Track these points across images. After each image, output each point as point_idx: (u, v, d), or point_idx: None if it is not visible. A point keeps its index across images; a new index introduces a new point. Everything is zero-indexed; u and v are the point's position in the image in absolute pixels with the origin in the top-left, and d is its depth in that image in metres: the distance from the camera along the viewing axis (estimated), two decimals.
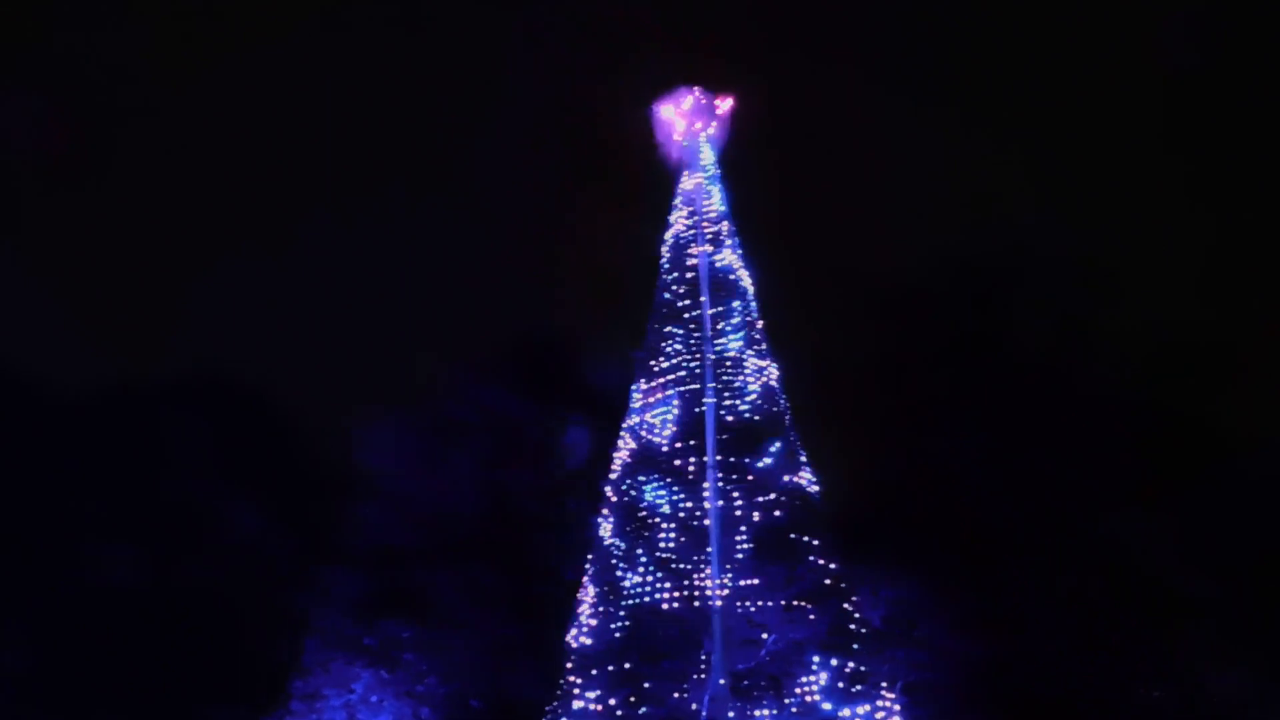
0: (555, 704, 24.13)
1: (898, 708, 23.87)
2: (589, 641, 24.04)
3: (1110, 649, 26.09)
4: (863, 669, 23.77)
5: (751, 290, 26.24)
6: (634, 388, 25.76)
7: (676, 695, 22.90)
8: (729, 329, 25.53)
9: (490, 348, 34.16)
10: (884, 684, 23.96)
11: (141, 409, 32.44)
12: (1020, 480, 28.50)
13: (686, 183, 26.61)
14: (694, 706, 22.85)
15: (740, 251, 26.72)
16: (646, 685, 23.13)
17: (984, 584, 27.11)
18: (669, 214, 26.51)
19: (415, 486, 30.41)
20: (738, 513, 23.98)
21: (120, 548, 28.60)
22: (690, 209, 26.22)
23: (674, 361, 25.22)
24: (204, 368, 35.45)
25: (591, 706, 23.23)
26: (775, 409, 25.41)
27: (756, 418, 24.99)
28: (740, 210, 27.00)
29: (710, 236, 26.08)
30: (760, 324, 26.12)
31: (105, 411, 32.10)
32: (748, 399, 25.01)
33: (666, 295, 26.17)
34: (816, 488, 25.21)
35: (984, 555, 27.83)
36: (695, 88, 25.95)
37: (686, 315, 25.60)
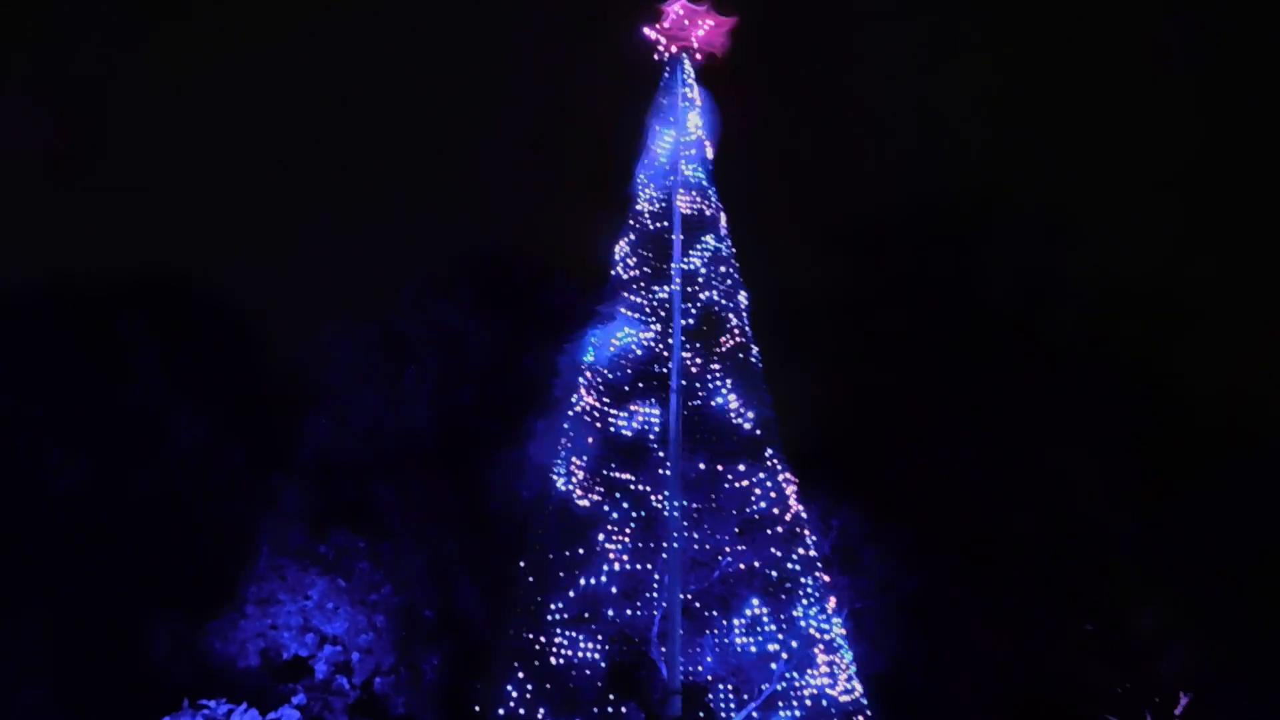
0: (509, 616, 24.47)
1: (842, 632, 24.67)
2: (545, 558, 24.33)
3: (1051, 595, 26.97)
4: (810, 595, 24.47)
5: (724, 217, 26.17)
6: (600, 307, 25.70)
7: (630, 613, 23.38)
8: (699, 253, 25.54)
9: (449, 264, 33.75)
10: (830, 610, 24.71)
11: (94, 314, 31.70)
12: (973, 420, 29.11)
13: (663, 104, 26.31)
14: (640, 631, 23.35)
15: (713, 181, 26.58)
16: (601, 603, 23.60)
17: (927, 518, 27.82)
18: (644, 134, 26.15)
19: (372, 401, 30.27)
20: (697, 436, 24.32)
21: (72, 452, 28.18)
22: (667, 130, 25.94)
23: (642, 283, 25.20)
24: (159, 273, 34.64)
25: (547, 619, 23.67)
26: (740, 338, 25.59)
27: (722, 345, 25.19)
28: (715, 139, 26.74)
29: (685, 159, 25.88)
30: (731, 251, 26.14)
31: (56, 315, 31.31)
32: (714, 325, 25.14)
33: (638, 215, 25.99)
34: (775, 417, 25.56)
35: (933, 490, 28.55)
36: (678, 3, 25.42)
37: (657, 237, 25.55)
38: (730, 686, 23.29)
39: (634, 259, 25.49)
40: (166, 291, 33.70)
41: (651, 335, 24.82)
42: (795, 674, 23.49)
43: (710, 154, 26.28)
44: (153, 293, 33.20)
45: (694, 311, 25.15)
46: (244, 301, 35.17)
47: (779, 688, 23.13)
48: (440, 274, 33.22)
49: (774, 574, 24.09)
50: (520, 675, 23.51)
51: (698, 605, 23.62)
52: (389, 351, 31.50)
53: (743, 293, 25.85)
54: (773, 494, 24.47)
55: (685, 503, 23.92)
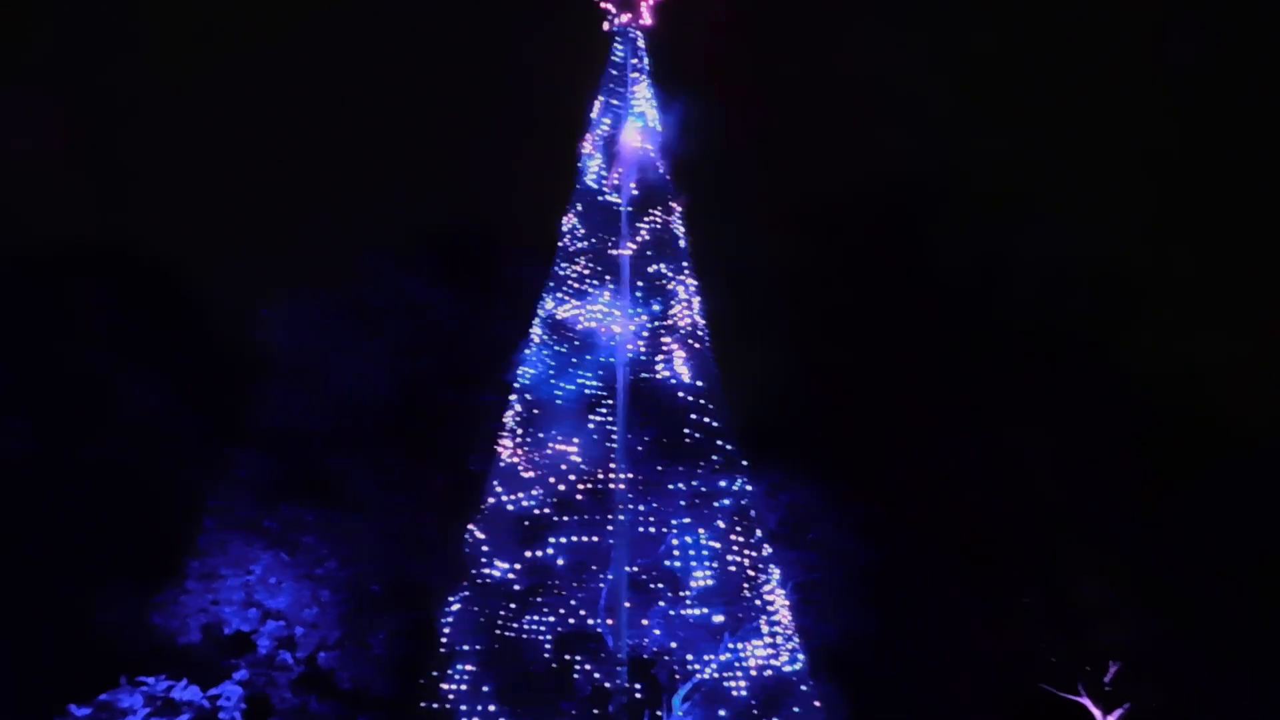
0: (456, 588, 24.46)
1: (788, 604, 24.85)
2: (493, 530, 24.31)
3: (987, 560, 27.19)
4: (757, 568, 24.62)
5: (675, 190, 26.03)
6: (549, 280, 25.53)
7: (576, 585, 23.42)
8: (647, 225, 25.37)
9: (408, 234, 33.36)
10: (777, 583, 24.86)
11: (38, 279, 31.04)
12: (925, 393, 29.22)
13: (613, 75, 26.02)
14: (587, 604, 23.36)
15: (664, 154, 26.40)
16: (549, 576, 23.61)
17: (872, 492, 27.90)
18: (595, 102, 25.87)
19: (324, 370, 29.90)
20: (645, 410, 24.29)
21: (15, 418, 27.64)
22: (617, 100, 25.70)
23: (590, 255, 25.03)
24: (107, 238, 34.00)
25: (493, 592, 23.68)
26: (689, 312, 25.55)
27: (670, 319, 25.14)
28: (668, 111, 26.54)
29: (634, 131, 25.64)
30: (681, 224, 26.00)
31: (5, 280, 30.64)
32: (663, 300, 25.05)
33: (586, 186, 25.77)
34: (724, 392, 25.58)
35: (878, 465, 28.66)
36: None
37: (605, 208, 25.32)
38: (677, 658, 23.38)
39: (582, 230, 25.31)
40: (114, 256, 33.06)
41: (599, 308, 24.68)
42: (741, 645, 23.66)
43: (660, 126, 26.04)
44: (100, 258, 32.56)
45: (641, 284, 25.04)
46: (196, 266, 34.72)
47: (725, 658, 23.29)
48: (399, 243, 32.79)
49: (720, 547, 24.19)
50: (468, 648, 23.56)
51: (644, 578, 23.66)
52: (346, 320, 31.06)
53: (692, 268, 25.77)
54: (720, 468, 24.53)
55: (632, 476, 23.92)
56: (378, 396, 29.38)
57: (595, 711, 22.46)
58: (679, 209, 25.81)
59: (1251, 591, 24.72)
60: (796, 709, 23.74)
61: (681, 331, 25.01)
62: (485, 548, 24.30)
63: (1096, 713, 24.84)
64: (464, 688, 23.44)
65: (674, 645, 23.45)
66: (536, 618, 23.59)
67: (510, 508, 24.39)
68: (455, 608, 24.43)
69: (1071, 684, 25.24)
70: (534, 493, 24.22)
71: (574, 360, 24.63)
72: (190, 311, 32.88)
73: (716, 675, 23.43)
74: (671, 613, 23.70)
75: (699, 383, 24.83)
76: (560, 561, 23.65)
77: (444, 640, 24.25)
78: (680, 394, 24.54)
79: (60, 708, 19.58)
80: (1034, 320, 29.37)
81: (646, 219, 25.54)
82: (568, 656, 23.47)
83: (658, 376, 24.59)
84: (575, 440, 24.16)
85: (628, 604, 23.44)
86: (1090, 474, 26.21)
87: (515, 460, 24.74)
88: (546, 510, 23.95)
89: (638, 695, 22.64)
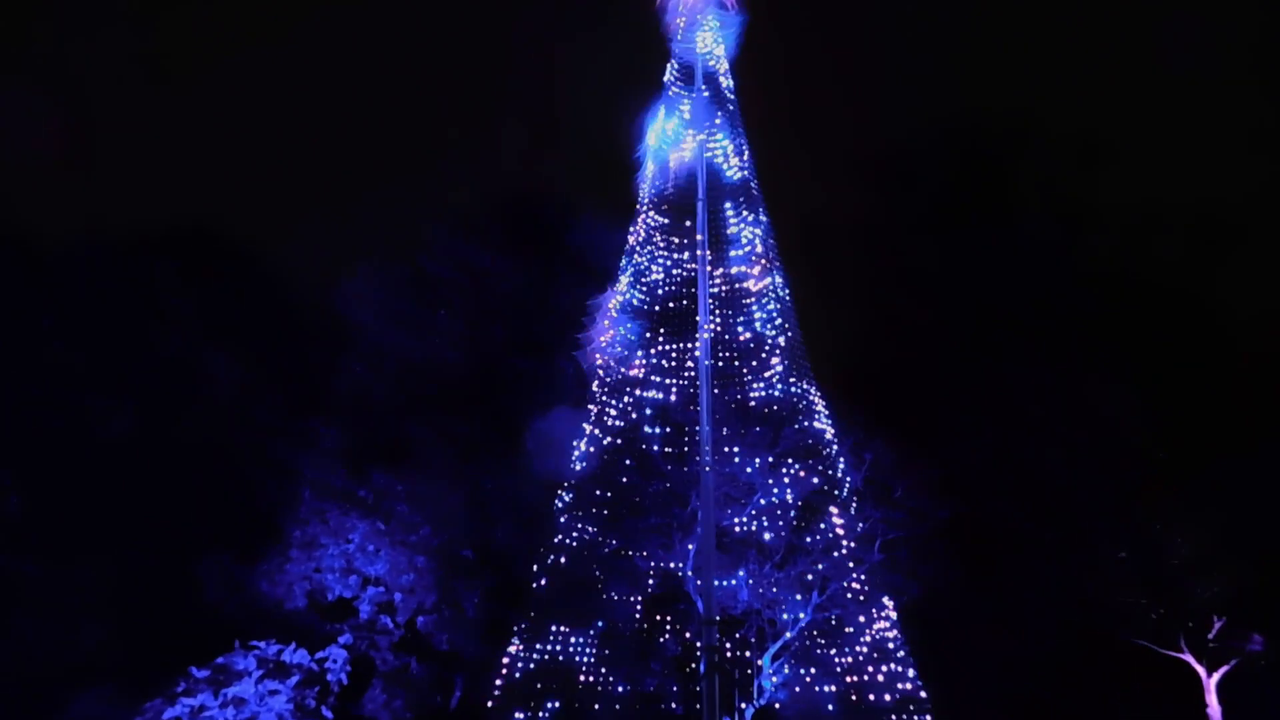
0: (548, 552, 24.90)
1: (876, 563, 24.79)
2: (579, 495, 24.67)
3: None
4: (843, 527, 24.60)
5: (746, 149, 25.84)
6: (627, 245, 25.60)
7: (664, 546, 23.69)
8: (724, 188, 25.25)
9: (477, 204, 33.77)
10: (863, 541, 24.79)
11: (132, 264, 32.14)
12: (1001, 348, 28.84)
13: (682, 36, 25.82)
14: (675, 566, 23.57)
15: (736, 108, 26.21)
16: (637, 537, 23.91)
17: (953, 451, 27.61)
18: (665, 64, 25.73)
19: (405, 341, 30.51)
20: (727, 369, 24.34)
21: (116, 401, 28.76)
22: (685, 62, 25.51)
23: (667, 216, 24.98)
24: (192, 222, 35.06)
25: (581, 555, 24.07)
26: (769, 269, 25.42)
27: (750, 278, 25.06)
28: (739, 68, 26.37)
29: (706, 91, 25.50)
30: (756, 182, 25.82)
31: (96, 265, 31.77)
32: (742, 260, 25.00)
33: (660, 149, 25.65)
34: (807, 350, 25.50)
35: (959, 421, 28.34)
36: None
37: (680, 170, 25.19)
38: (766, 617, 23.54)
39: (657, 194, 25.32)
40: (199, 240, 34.02)
41: (680, 272, 24.72)
42: (829, 606, 23.71)
43: (730, 84, 25.83)
44: (186, 242, 33.54)
45: (720, 242, 24.94)
46: (276, 247, 35.58)
47: (814, 618, 23.38)
48: (468, 215, 33.20)
49: (808, 509, 24.20)
50: (559, 609, 24.03)
51: (728, 541, 23.79)
52: (421, 292, 31.62)
53: (769, 225, 25.59)
54: (804, 427, 24.50)
55: (716, 436, 23.95)
56: (458, 365, 29.92)
57: (687, 670, 22.80)
58: (753, 166, 25.66)
59: None
60: (886, 666, 23.78)
61: (762, 288, 24.92)
62: (574, 511, 24.66)
63: (1200, 670, 24.31)
64: (556, 648, 23.96)
65: (762, 605, 23.64)
66: (625, 578, 23.92)
67: (596, 474, 24.67)
68: (545, 570, 24.87)
69: (1173, 640, 24.76)
70: (619, 458, 24.46)
71: (655, 322, 24.75)
72: (269, 289, 33.75)
73: (805, 634, 23.57)
74: (759, 574, 23.85)
75: (780, 340, 24.74)
76: (648, 522, 23.87)
77: (535, 603, 24.76)
78: (764, 355, 24.51)
79: (182, 670, 20.49)
80: (1121, 267, 28.73)
81: (722, 178, 25.43)
82: (657, 616, 23.86)
83: (740, 336, 24.57)
84: (661, 403, 24.33)
85: (715, 566, 23.57)
86: (1183, 426, 25.60)
87: (599, 425, 25.00)
88: (634, 472, 24.16)
89: (727, 654, 22.90)
